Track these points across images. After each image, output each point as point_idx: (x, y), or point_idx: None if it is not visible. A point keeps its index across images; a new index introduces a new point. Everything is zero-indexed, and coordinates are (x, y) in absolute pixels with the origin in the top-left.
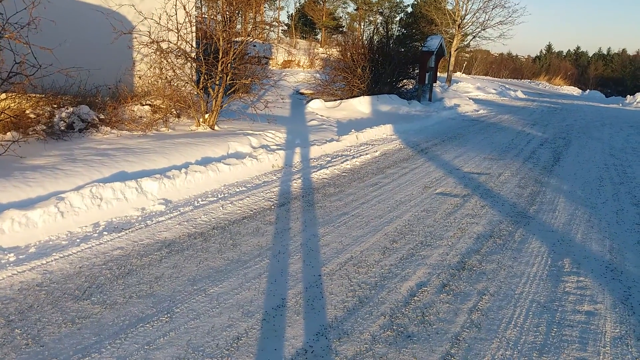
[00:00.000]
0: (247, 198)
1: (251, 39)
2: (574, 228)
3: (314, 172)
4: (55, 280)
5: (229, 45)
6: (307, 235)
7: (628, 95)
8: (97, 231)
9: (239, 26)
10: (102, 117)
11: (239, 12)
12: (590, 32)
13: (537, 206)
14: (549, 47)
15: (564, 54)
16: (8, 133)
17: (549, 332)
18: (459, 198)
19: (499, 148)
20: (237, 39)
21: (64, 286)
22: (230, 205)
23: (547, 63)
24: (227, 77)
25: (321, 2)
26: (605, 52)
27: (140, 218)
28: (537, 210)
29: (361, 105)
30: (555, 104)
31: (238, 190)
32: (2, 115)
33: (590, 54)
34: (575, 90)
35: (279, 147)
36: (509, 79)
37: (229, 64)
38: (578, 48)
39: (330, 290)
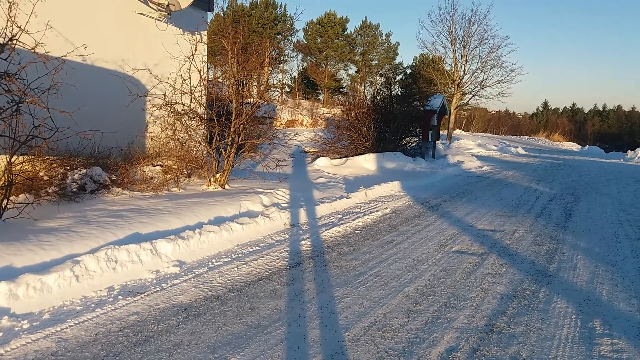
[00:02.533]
0: (262, 258)
1: (263, 102)
2: (598, 286)
3: (326, 230)
4: (71, 349)
5: (242, 107)
6: (326, 297)
7: (629, 151)
8: (112, 295)
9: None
10: (113, 178)
11: (251, 75)
12: (585, 89)
13: (556, 264)
14: (546, 104)
15: (560, 110)
16: (21, 195)
17: None
18: (477, 256)
19: (509, 205)
20: (248, 100)
21: (79, 355)
22: (245, 266)
23: (545, 119)
24: (239, 137)
25: (323, 65)
26: (601, 108)
27: (155, 281)
28: (557, 268)
29: (367, 162)
30: (557, 159)
31: (252, 250)
32: (18, 178)
33: (587, 110)
34: (574, 146)
35: (290, 205)
36: (508, 136)
37: (242, 125)
38: (574, 105)
39: (356, 357)
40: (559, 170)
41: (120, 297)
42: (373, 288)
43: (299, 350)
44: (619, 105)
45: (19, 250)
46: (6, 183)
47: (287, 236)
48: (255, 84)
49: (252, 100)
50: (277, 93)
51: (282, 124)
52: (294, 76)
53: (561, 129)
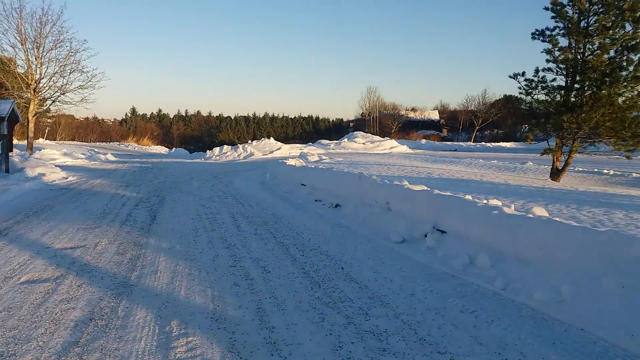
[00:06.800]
0: None
1: None
2: (177, 285)
3: None
4: None
5: None
6: None
7: (207, 150)
8: None
9: None
10: None
11: None
12: (170, 95)
13: (138, 271)
14: (134, 110)
15: (149, 116)
16: None
17: None
18: (51, 282)
19: (93, 215)
20: None
21: None
22: None
23: (134, 125)
24: None
25: None
26: (184, 114)
27: None
28: (139, 275)
29: None
30: (146, 163)
31: None
32: None
33: (172, 115)
34: (163, 149)
35: None
36: (98, 143)
37: None
38: (160, 110)
39: None
40: (147, 174)
41: None
42: None
43: None
44: (198, 111)
45: None
46: None
47: None
48: None
49: None
50: None
51: None
52: None
53: (150, 133)
